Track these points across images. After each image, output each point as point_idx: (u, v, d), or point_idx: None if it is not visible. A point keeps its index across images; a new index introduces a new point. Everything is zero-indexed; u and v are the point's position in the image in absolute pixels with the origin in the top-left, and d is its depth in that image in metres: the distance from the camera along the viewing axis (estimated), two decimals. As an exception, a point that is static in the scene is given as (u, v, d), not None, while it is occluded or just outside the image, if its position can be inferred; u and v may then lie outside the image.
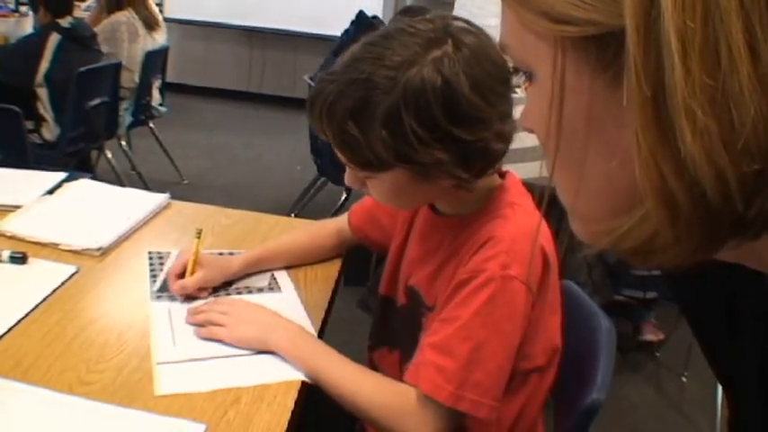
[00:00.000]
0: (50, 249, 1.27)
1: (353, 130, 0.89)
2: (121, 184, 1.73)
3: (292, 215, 3.26)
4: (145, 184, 3.61)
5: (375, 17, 4.09)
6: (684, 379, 2.53)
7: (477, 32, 0.92)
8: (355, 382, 0.97)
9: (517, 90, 1.30)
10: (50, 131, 3.09)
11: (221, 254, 1.30)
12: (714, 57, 0.26)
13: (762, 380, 0.43)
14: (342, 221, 1.32)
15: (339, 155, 0.96)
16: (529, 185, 1.03)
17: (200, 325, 1.08)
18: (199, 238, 1.19)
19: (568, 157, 0.36)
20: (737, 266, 0.37)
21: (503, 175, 1.04)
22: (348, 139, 0.91)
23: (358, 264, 2.63)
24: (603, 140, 0.33)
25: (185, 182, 4.08)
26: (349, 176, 0.99)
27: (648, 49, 0.27)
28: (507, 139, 0.93)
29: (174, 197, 1.58)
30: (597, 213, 0.36)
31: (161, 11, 4.25)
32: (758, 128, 0.26)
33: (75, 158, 3.31)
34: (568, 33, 0.31)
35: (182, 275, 1.18)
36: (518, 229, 0.94)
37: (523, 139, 1.04)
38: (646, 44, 0.27)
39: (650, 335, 2.56)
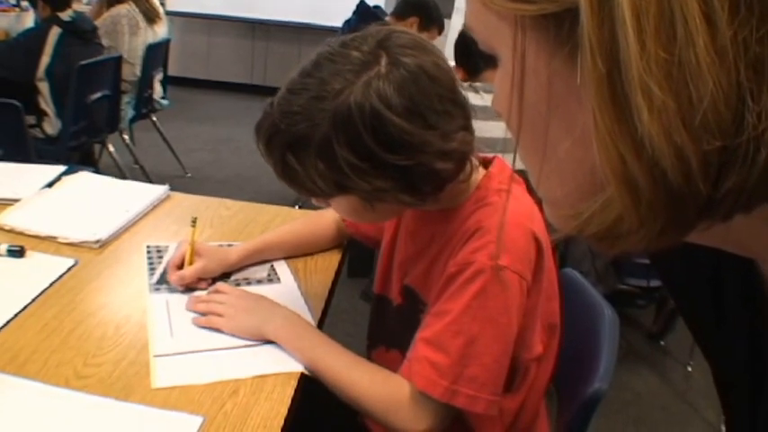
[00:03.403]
0: (49, 242, 1.27)
1: (293, 164, 0.89)
2: (124, 179, 1.73)
3: (296, 207, 3.25)
4: (148, 178, 3.62)
5: (377, 7, 4.08)
6: (690, 368, 2.52)
7: (421, 48, 0.88)
8: (352, 373, 0.96)
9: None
10: (52, 126, 3.08)
11: (221, 246, 1.29)
12: (669, 30, 0.25)
13: (750, 364, 0.42)
14: (339, 212, 1.31)
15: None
16: (521, 171, 1.01)
17: (200, 313, 1.07)
18: (194, 226, 1.19)
19: (532, 138, 0.35)
20: (722, 251, 0.36)
21: (488, 163, 1.02)
22: (289, 171, 0.90)
23: (361, 255, 2.63)
24: (565, 120, 0.32)
25: (188, 175, 4.08)
26: (312, 198, 0.99)
27: (602, 24, 0.26)
28: (455, 157, 0.89)
29: (177, 190, 1.57)
30: (562, 196, 0.35)
31: (163, 4, 4.24)
32: (717, 103, 0.25)
33: (77, 153, 3.31)
34: (527, 12, 0.30)
35: (181, 266, 1.17)
36: (507, 216, 0.92)
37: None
38: (599, 19, 0.26)
39: None
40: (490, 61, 0.36)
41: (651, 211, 0.28)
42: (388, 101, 0.83)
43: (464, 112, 0.90)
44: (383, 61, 0.85)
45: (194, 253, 1.18)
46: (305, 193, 0.94)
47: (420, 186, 0.89)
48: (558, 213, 0.36)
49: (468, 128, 0.91)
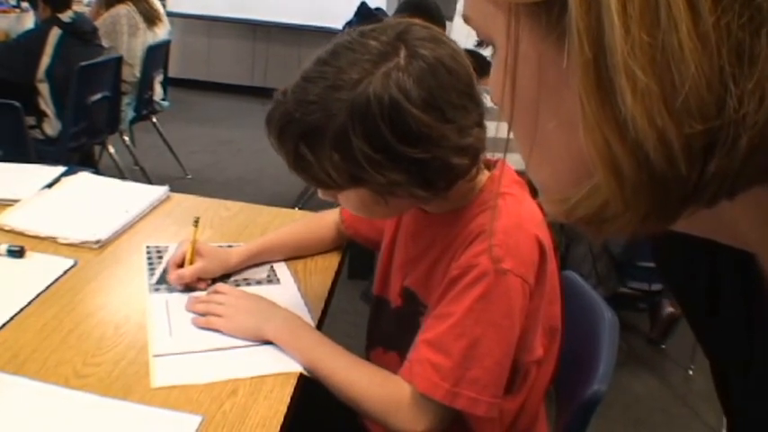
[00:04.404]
0: (48, 243, 1.27)
1: (306, 154, 0.87)
2: (124, 180, 1.73)
3: (296, 208, 3.25)
4: (148, 179, 3.61)
5: (378, 9, 4.08)
6: (691, 372, 2.52)
7: (438, 40, 0.88)
8: (351, 373, 0.96)
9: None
10: (52, 127, 3.09)
11: (221, 247, 1.29)
12: (653, 15, 0.25)
13: (750, 359, 0.42)
14: (338, 213, 1.31)
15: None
16: (524, 174, 1.01)
17: (199, 314, 1.07)
18: (196, 226, 1.19)
19: (525, 125, 0.35)
20: (722, 246, 0.36)
21: (492, 165, 1.02)
22: (302, 162, 0.89)
23: (362, 257, 2.63)
24: (556, 107, 0.33)
25: (189, 176, 4.08)
26: (320, 191, 0.98)
27: (589, 9, 0.27)
28: (470, 152, 0.89)
29: (177, 192, 1.57)
30: (553, 181, 0.36)
31: (164, 5, 4.23)
32: (699, 87, 0.25)
33: (78, 154, 3.31)
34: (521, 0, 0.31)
35: (181, 265, 1.17)
36: (510, 219, 0.92)
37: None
38: (586, 4, 0.27)
39: (670, 307, 2.54)
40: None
41: (635, 194, 0.28)
42: (407, 93, 0.82)
43: (479, 108, 0.90)
44: (402, 53, 0.84)
45: (195, 253, 1.18)
46: (316, 184, 0.93)
47: (434, 181, 0.88)
48: (549, 198, 0.36)
49: (481, 124, 0.90)
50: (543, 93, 0.33)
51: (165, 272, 1.20)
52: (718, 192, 0.28)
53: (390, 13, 4.12)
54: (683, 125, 0.26)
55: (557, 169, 0.35)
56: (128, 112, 3.64)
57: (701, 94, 0.25)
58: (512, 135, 0.37)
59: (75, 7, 3.22)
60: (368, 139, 0.83)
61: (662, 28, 0.25)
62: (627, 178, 0.28)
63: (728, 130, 0.26)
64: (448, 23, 3.50)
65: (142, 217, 1.43)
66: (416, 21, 0.92)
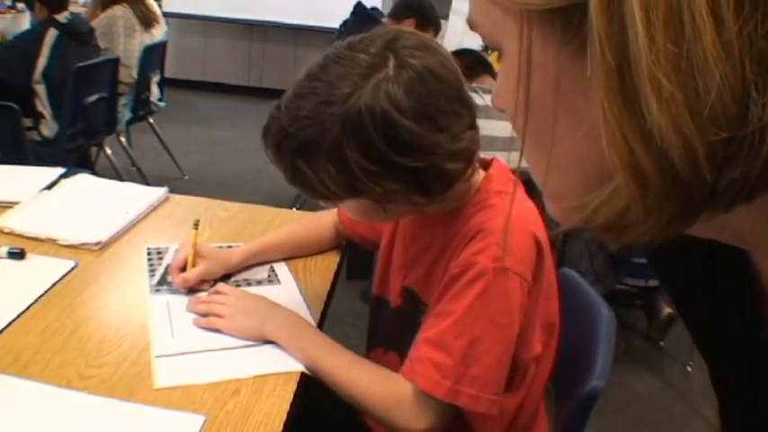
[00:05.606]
0: (49, 245, 1.27)
1: (303, 167, 0.89)
2: (121, 181, 1.73)
3: (294, 208, 3.25)
4: (145, 180, 3.61)
5: (374, 8, 4.09)
6: (689, 368, 2.53)
7: (427, 48, 0.88)
8: (352, 372, 0.96)
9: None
10: (49, 128, 3.08)
11: (220, 247, 1.29)
12: (678, 24, 0.26)
13: (748, 361, 0.43)
14: (336, 214, 1.32)
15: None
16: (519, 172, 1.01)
17: (200, 314, 1.08)
18: (196, 229, 1.19)
19: (538, 133, 0.35)
20: (719, 243, 0.36)
21: (487, 164, 1.02)
22: (299, 175, 0.90)
23: (360, 257, 2.63)
24: (571, 114, 0.33)
25: (186, 177, 4.08)
26: (321, 201, 0.98)
27: (611, 18, 0.27)
28: (465, 156, 0.90)
29: (174, 192, 1.57)
30: (568, 189, 0.35)
31: (159, 5, 4.23)
32: (723, 95, 0.26)
33: (75, 155, 3.31)
34: (533, 6, 0.31)
35: (183, 268, 1.18)
36: (507, 218, 0.93)
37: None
38: (609, 13, 0.27)
39: (668, 307, 2.54)
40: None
41: (658, 200, 0.28)
42: (398, 104, 0.83)
43: (470, 111, 0.91)
44: (391, 63, 0.85)
45: (197, 255, 1.18)
46: (317, 196, 0.94)
47: (431, 187, 0.89)
48: (562, 206, 0.36)
49: (474, 126, 0.91)
50: (558, 101, 0.33)
51: (165, 273, 1.20)
52: (737, 197, 0.28)
53: (386, 12, 4.12)
54: (707, 133, 0.26)
55: (569, 175, 0.35)
56: (125, 113, 3.64)
57: (725, 103, 0.26)
58: (522, 139, 0.37)
59: (72, 8, 3.21)
60: (362, 151, 0.84)
61: (686, 37, 0.25)
62: (651, 185, 0.28)
63: (753, 138, 0.26)
64: (443, 22, 3.50)
65: (142, 218, 1.43)
66: (405, 28, 0.92)
